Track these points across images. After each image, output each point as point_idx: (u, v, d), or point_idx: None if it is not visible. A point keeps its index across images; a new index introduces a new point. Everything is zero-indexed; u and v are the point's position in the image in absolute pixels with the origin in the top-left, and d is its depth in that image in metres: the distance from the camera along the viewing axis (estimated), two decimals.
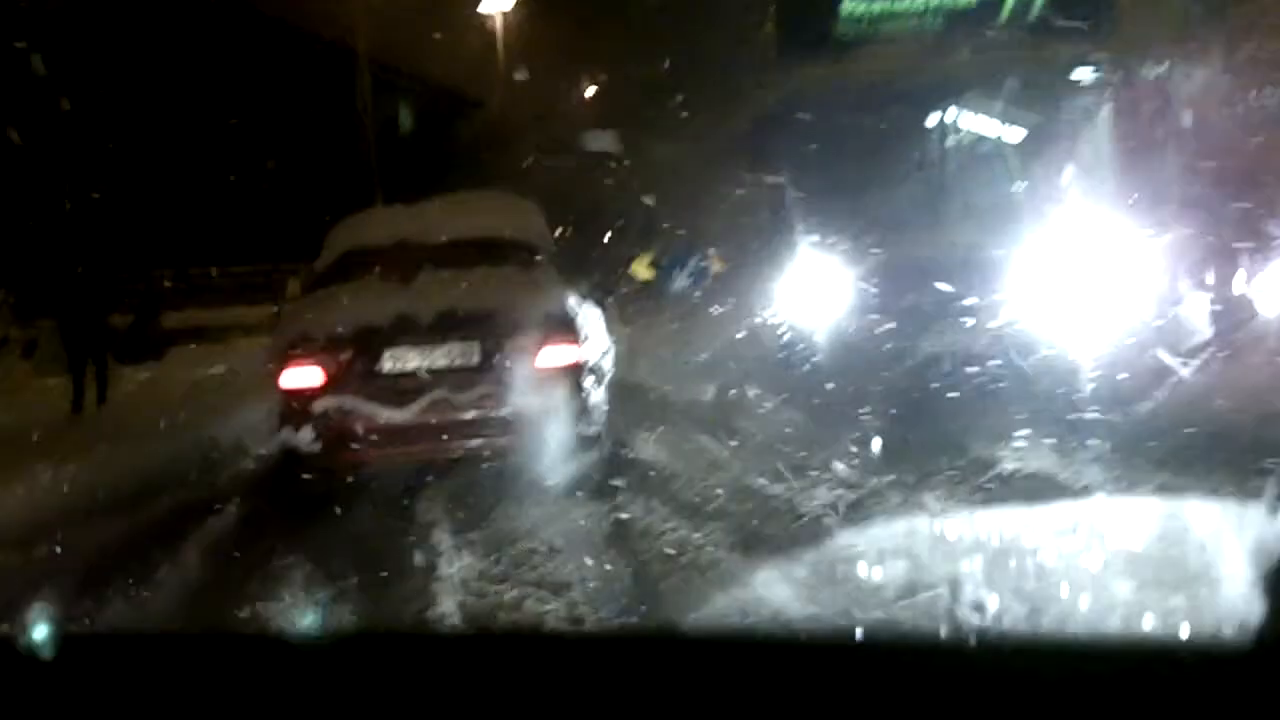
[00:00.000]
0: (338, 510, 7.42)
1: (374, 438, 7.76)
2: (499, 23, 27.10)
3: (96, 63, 18.14)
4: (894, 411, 8.62)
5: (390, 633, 2.01)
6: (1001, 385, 8.72)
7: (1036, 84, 10.14)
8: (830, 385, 9.49)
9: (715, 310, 13.90)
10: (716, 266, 17.19)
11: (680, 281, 16.49)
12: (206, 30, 19.58)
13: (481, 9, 27.23)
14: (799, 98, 10.38)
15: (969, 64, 10.20)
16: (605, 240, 18.71)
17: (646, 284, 19.02)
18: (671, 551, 6.01)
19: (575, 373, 8.06)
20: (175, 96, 19.14)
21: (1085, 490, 6.30)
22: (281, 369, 7.88)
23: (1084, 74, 10.00)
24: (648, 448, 9.17)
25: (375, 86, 21.64)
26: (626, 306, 15.49)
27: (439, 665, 1.63)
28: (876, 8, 10.62)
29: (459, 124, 24.92)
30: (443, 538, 6.76)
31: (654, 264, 18.44)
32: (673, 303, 16.24)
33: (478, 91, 26.10)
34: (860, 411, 8.64)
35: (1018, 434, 7.58)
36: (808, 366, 10.05)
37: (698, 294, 15.89)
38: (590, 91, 28.05)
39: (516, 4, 26.79)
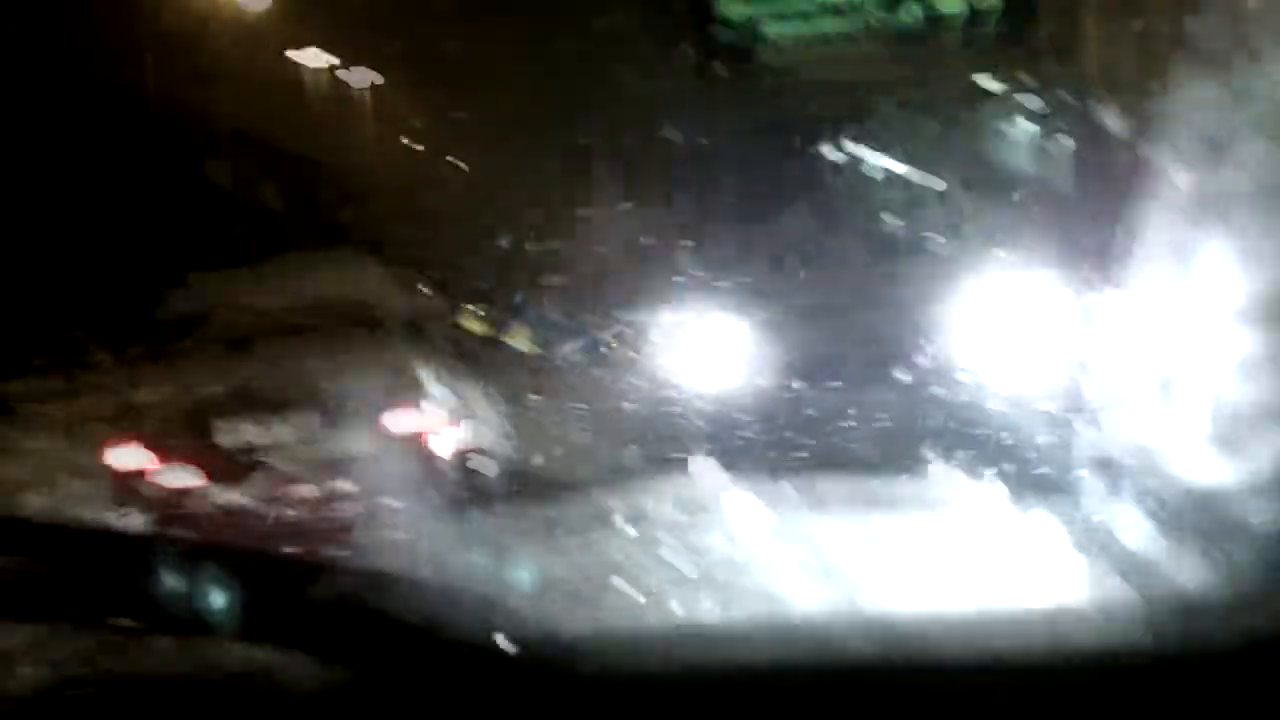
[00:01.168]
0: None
1: (210, 519, 7.39)
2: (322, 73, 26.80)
3: None
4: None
5: None
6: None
7: (968, 114, 9.72)
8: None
9: (601, 376, 13.39)
10: (606, 335, 16.43)
11: (565, 345, 15.92)
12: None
13: (300, 59, 26.84)
14: (705, 112, 9.74)
15: (898, 87, 9.66)
16: (476, 295, 18.07)
17: (492, 338, 18.30)
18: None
19: (427, 440, 7.84)
20: None
21: None
22: (107, 448, 7.52)
23: (1025, 102, 9.56)
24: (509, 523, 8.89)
25: (189, 141, 21.07)
26: (496, 371, 14.87)
27: None
28: (790, 29, 10.00)
29: (292, 182, 24.37)
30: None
31: (504, 313, 17.92)
32: (528, 359, 15.71)
33: (312, 146, 25.66)
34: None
35: None
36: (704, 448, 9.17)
37: (585, 357, 15.38)
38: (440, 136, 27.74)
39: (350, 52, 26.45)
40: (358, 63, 25.71)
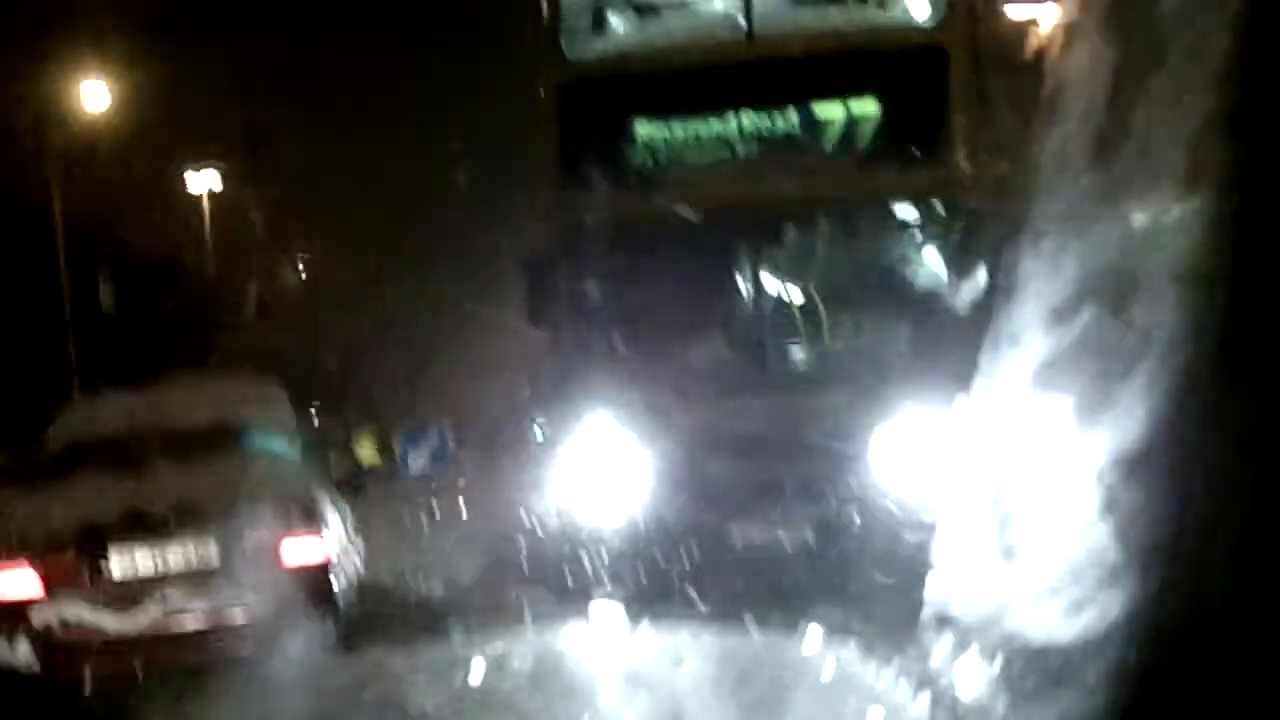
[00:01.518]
0: None
1: (100, 650, 7.40)
2: (209, 195, 26.71)
3: None
4: None
5: None
6: None
7: (860, 225, 9.45)
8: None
9: (461, 503, 13.30)
10: (451, 443, 16.68)
11: (418, 461, 15.99)
12: None
13: (192, 189, 26.77)
14: (584, 235, 9.23)
15: (788, 200, 9.23)
16: (323, 412, 17.93)
17: (374, 467, 18.19)
18: None
19: (321, 571, 7.93)
20: None
21: None
22: None
23: (908, 212, 9.29)
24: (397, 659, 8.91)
25: (76, 259, 20.98)
26: (354, 496, 14.79)
27: None
28: (677, 133, 9.59)
29: (171, 298, 24.27)
30: None
31: (383, 441, 17.85)
32: (409, 489, 15.72)
33: (192, 264, 25.58)
34: None
35: None
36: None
37: (438, 476, 15.43)
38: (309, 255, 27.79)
39: (233, 169, 26.53)
40: (248, 187, 25.84)
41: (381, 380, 21.00)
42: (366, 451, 18.25)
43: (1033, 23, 12.60)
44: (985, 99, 9.78)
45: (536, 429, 10.16)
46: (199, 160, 26.11)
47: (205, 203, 26.43)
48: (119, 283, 24.10)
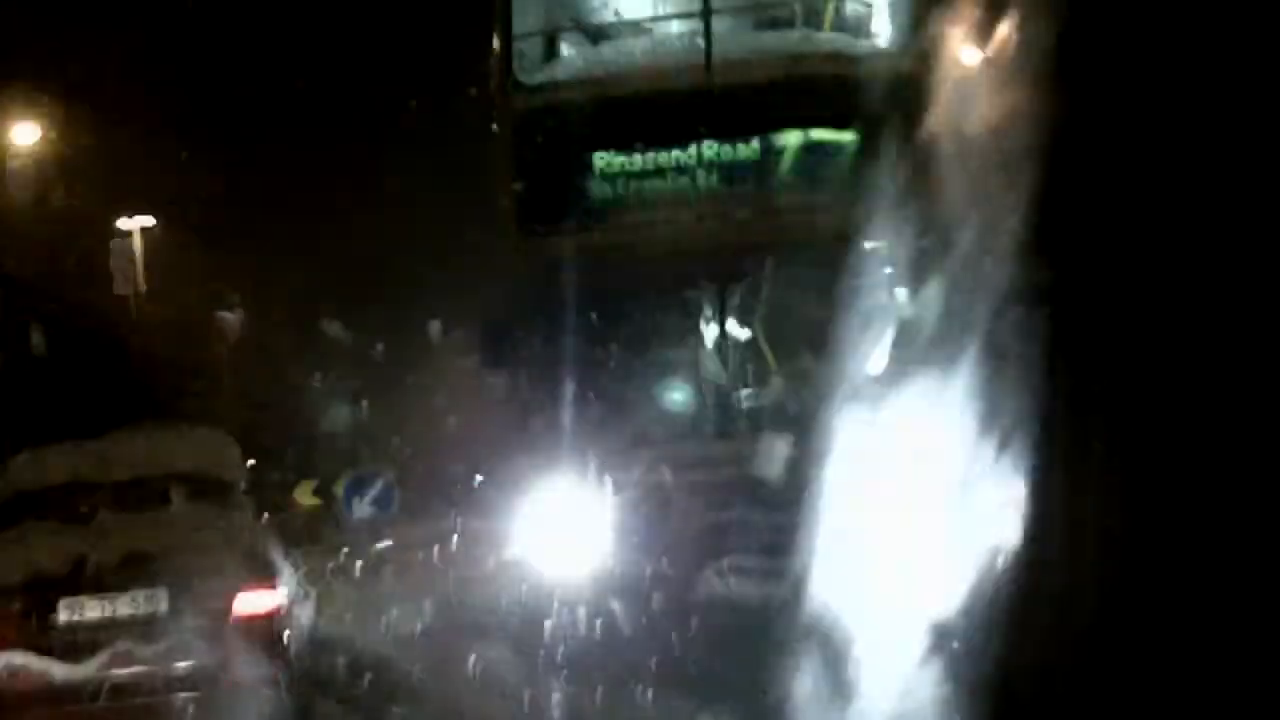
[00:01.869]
0: None
1: (47, 698, 7.42)
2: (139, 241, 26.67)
3: None
4: None
5: None
6: None
7: (825, 263, 9.13)
8: None
9: (409, 551, 13.27)
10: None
11: (362, 509, 15.80)
12: None
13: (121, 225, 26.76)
14: (541, 275, 9.03)
15: (752, 232, 9.04)
16: (267, 461, 17.81)
17: (313, 511, 17.97)
18: None
19: (273, 621, 7.97)
20: None
21: None
22: None
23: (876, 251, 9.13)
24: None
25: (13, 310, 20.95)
26: (302, 545, 14.68)
27: None
28: (635, 164, 9.25)
29: (111, 350, 24.12)
30: None
31: (320, 489, 17.70)
32: (355, 539, 15.61)
33: (131, 315, 25.47)
34: None
35: None
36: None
37: (384, 523, 15.33)
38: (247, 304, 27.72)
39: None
40: (190, 235, 25.78)
41: (325, 428, 20.86)
42: (306, 497, 18.01)
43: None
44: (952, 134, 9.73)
45: (490, 477, 10.04)
46: (134, 211, 26.17)
47: (139, 254, 26.47)
48: (56, 334, 24.03)
